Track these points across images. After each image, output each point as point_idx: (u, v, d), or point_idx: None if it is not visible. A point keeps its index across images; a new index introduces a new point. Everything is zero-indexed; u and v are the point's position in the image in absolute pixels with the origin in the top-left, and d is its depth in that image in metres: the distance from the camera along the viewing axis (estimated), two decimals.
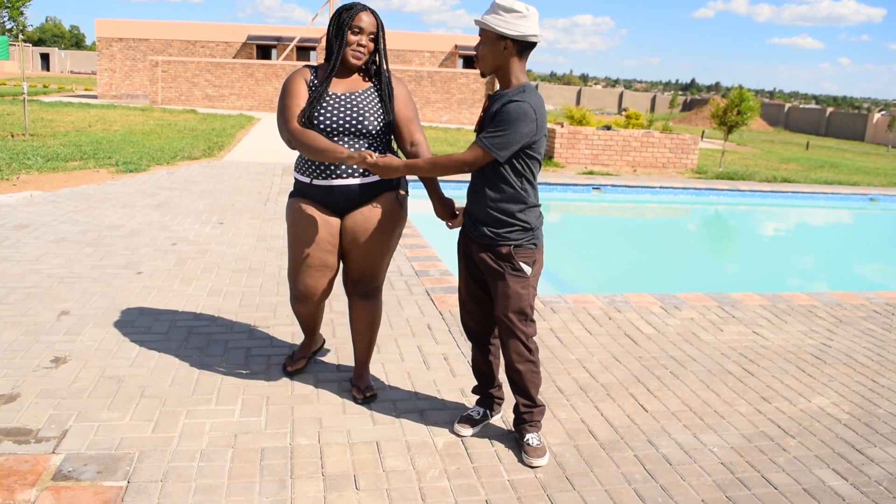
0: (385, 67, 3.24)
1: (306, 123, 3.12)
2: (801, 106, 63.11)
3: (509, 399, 3.36)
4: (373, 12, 3.15)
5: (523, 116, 2.74)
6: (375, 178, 3.20)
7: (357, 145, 3.18)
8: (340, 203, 3.22)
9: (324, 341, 3.93)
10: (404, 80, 26.61)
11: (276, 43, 31.15)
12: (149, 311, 4.51)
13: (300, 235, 3.25)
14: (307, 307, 3.43)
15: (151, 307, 4.58)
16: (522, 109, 2.74)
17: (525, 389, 3.07)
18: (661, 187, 12.25)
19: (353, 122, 3.14)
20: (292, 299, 3.44)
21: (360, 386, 3.50)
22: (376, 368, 3.83)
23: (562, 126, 15.75)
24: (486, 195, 2.93)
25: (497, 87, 3.16)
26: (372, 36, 3.15)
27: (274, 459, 2.91)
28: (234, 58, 30.50)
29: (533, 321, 3.02)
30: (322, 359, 3.93)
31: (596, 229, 10.78)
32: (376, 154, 2.97)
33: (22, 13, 13.56)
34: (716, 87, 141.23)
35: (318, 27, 30.22)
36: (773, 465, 3.15)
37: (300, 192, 3.29)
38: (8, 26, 13.72)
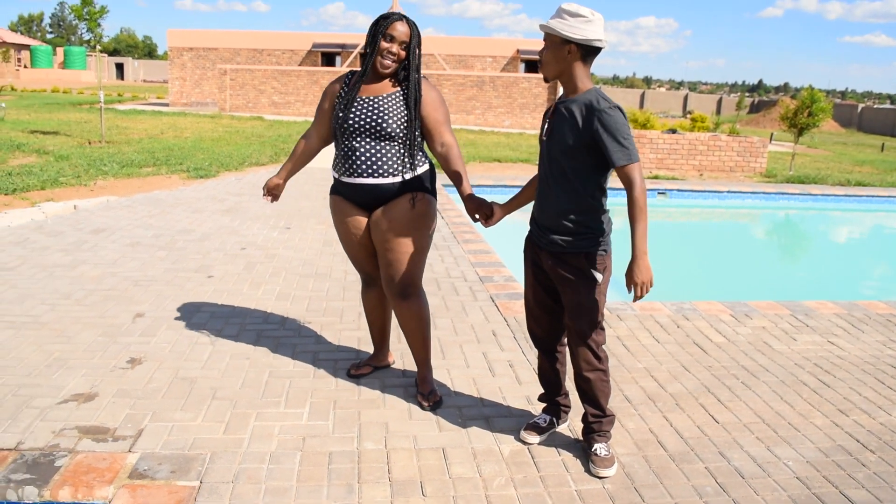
0: (415, 73, 3.29)
1: (338, 124, 3.31)
2: (875, 106, 60.83)
3: (577, 408, 3.32)
4: (409, 22, 3.22)
5: (625, 120, 2.71)
6: (393, 179, 3.29)
7: (380, 146, 3.26)
8: (364, 199, 3.38)
9: (393, 361, 3.95)
10: (465, 84, 26.71)
11: (339, 50, 31.61)
12: (220, 314, 4.62)
13: (339, 228, 3.53)
14: (371, 291, 3.66)
15: (222, 310, 4.69)
16: (620, 115, 2.71)
17: (594, 398, 3.03)
18: (728, 192, 11.97)
19: (374, 123, 3.24)
20: (362, 287, 3.73)
21: (423, 392, 3.53)
22: (441, 374, 3.84)
23: None
24: (557, 203, 2.90)
25: (560, 92, 3.12)
26: (404, 45, 3.22)
27: (341, 463, 2.94)
28: (299, 65, 31.07)
29: (603, 329, 2.99)
30: None
31: (662, 235, 10.58)
32: (264, 192, 3.43)
33: (99, 24, 14.01)
34: (784, 88, 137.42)
35: None
36: (851, 480, 3.04)
37: (335, 189, 3.50)
38: (85, 38, 14.23)
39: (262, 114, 26.33)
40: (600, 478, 2.94)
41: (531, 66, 33.10)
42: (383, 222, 3.32)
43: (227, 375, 3.72)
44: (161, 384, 3.58)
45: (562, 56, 2.80)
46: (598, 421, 3.06)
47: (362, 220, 3.42)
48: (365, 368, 3.79)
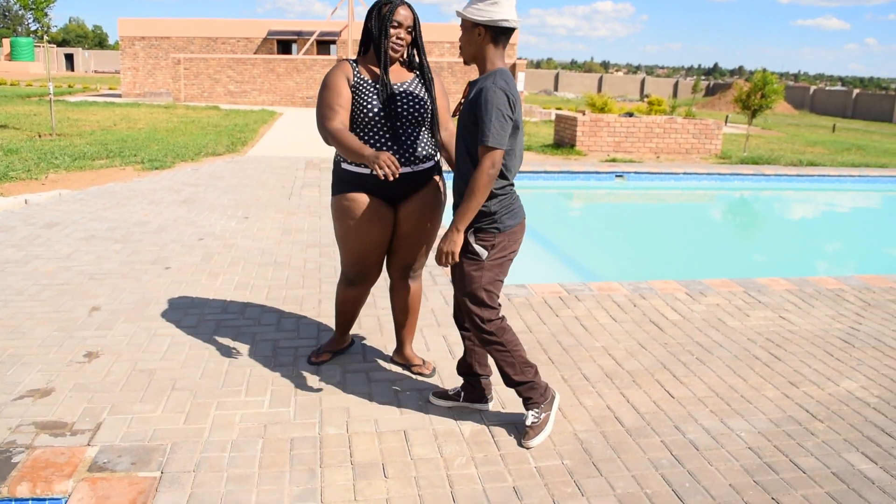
0: (425, 59, 3.35)
1: (382, 114, 3.21)
2: (827, 88, 62.15)
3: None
4: (409, 6, 3.25)
5: (497, 98, 2.77)
6: (428, 164, 3.33)
7: (420, 132, 3.31)
8: (397, 191, 3.30)
9: (353, 341, 3.98)
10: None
11: (296, 38, 31.25)
12: (178, 306, 4.58)
13: (360, 226, 3.31)
14: (359, 289, 3.57)
15: (180, 301, 4.65)
16: (493, 93, 2.77)
17: (501, 370, 3.10)
18: (684, 173, 12.16)
19: (414, 110, 3.27)
20: (345, 284, 3.57)
21: (418, 363, 3.71)
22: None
23: (583, 114, 15.68)
24: (458, 179, 3.01)
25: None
26: (410, 29, 3.25)
27: (303, 449, 2.95)
28: (255, 53, 30.66)
29: (491, 307, 3.00)
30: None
31: (619, 217, 10.73)
32: (394, 161, 2.84)
33: (46, 14, 13.63)
34: (739, 71, 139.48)
35: (337, 21, 30.29)
36: (801, 449, 3.14)
37: (352, 183, 3.30)
38: (32, 28, 13.90)
39: (218, 103, 25.95)
40: (526, 448, 3.01)
41: None
42: (419, 209, 3.34)
43: (187, 366, 3.70)
44: (119, 377, 3.55)
45: (473, 39, 2.92)
46: (516, 390, 3.12)
47: (389, 214, 3.35)
48: (325, 356, 3.80)
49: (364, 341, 4.08)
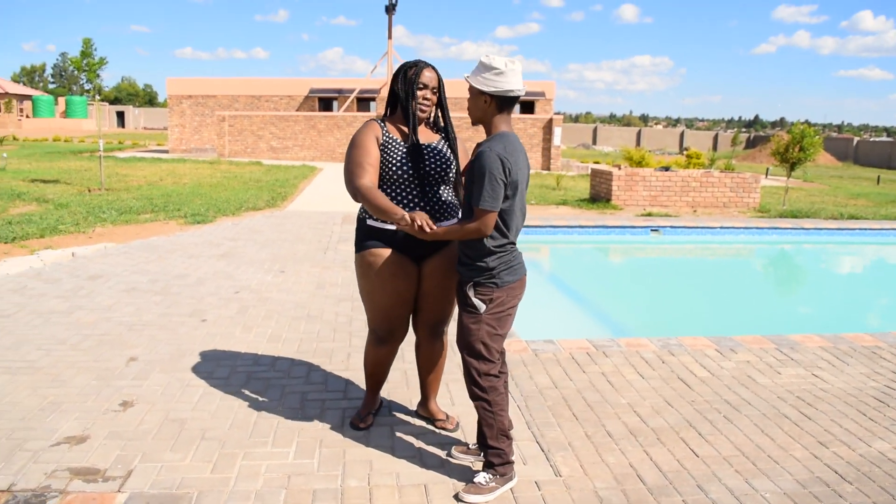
0: (449, 120, 3.50)
1: (411, 172, 3.32)
2: (871, 139, 61.37)
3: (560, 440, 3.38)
4: (434, 69, 3.40)
5: (491, 163, 2.89)
6: (451, 221, 3.39)
7: (445, 191, 3.43)
8: (421, 248, 3.37)
9: (382, 401, 4.02)
10: (460, 126, 27.02)
11: (336, 95, 32.08)
12: (211, 357, 4.70)
13: (386, 282, 3.38)
14: (389, 347, 3.61)
15: (214, 353, 4.78)
16: (488, 158, 2.90)
17: (479, 427, 3.16)
18: (721, 227, 12.09)
19: (441, 170, 3.39)
20: (374, 343, 3.60)
21: (443, 418, 3.76)
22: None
23: (619, 168, 15.74)
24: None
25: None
26: (435, 90, 3.39)
27: (325, 501, 3.01)
28: (297, 110, 31.51)
29: (488, 360, 3.08)
30: None
31: (653, 272, 10.68)
32: (425, 220, 3.03)
33: (98, 75, 14.36)
34: (781, 123, 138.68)
35: (377, 78, 31.02)
36: None
37: (377, 239, 3.38)
38: (86, 87, 14.57)
39: (261, 158, 26.63)
40: (458, 501, 3.03)
41: (526, 107, 33.54)
42: (443, 266, 3.41)
43: (217, 416, 3.79)
44: (152, 426, 3.65)
45: (480, 105, 3.04)
46: (485, 449, 3.14)
47: (414, 270, 3.42)
48: (369, 419, 3.77)
49: (389, 395, 4.14)
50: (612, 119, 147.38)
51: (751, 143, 55.19)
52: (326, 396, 4.12)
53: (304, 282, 6.91)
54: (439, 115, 3.54)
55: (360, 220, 3.47)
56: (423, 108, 3.38)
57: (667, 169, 15.83)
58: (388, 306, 3.45)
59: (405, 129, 3.40)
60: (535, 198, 15.74)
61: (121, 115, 64.47)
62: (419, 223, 2.98)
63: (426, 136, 3.46)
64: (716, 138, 60.60)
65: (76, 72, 15.69)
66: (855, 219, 13.87)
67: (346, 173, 3.35)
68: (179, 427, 3.66)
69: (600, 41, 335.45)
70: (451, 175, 3.44)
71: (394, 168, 3.33)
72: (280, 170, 20.77)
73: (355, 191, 3.28)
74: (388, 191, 3.37)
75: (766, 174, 27.86)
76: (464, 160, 3.53)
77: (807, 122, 16.71)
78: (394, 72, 3.41)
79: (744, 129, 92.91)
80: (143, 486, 3.06)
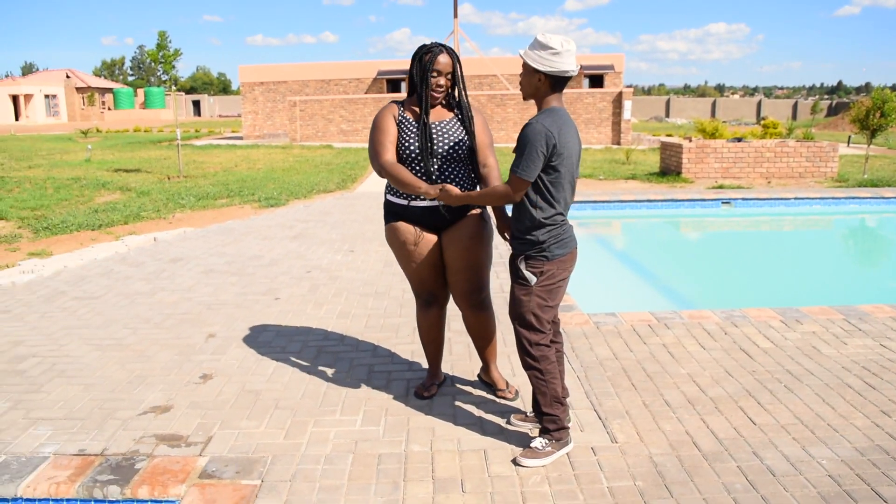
0: (465, 98, 3.61)
1: (420, 150, 3.49)
2: None
3: (613, 409, 3.47)
4: (449, 52, 3.52)
5: (534, 136, 2.97)
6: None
7: (457, 167, 3.56)
8: (437, 222, 3.59)
9: (445, 378, 4.17)
10: (528, 103, 26.92)
11: (404, 76, 32.30)
12: (284, 333, 4.95)
13: (410, 250, 3.63)
14: (435, 311, 3.80)
15: (286, 329, 5.03)
16: (533, 130, 2.98)
17: (534, 395, 3.28)
18: (795, 198, 11.78)
19: (451, 147, 3.53)
20: (421, 307, 3.82)
21: (503, 388, 3.90)
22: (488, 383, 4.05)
23: (690, 141, 15.46)
24: (515, 209, 3.21)
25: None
26: (449, 74, 3.53)
27: (389, 464, 3.18)
28: (365, 93, 31.91)
29: (539, 330, 3.17)
30: None
31: (724, 244, 10.52)
32: (449, 186, 3.31)
33: (174, 67, 14.96)
34: (866, 89, 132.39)
35: None
36: (885, 478, 3.09)
37: (397, 215, 3.64)
38: (163, 79, 15.16)
39: (332, 142, 27.14)
40: (516, 465, 3.14)
41: (595, 81, 33.09)
42: (462, 237, 3.59)
43: (289, 388, 4.02)
44: (229, 396, 3.91)
45: (533, 82, 3.12)
46: (540, 416, 3.25)
47: (434, 240, 3.63)
48: (433, 389, 3.95)
49: (452, 366, 4.29)
50: (686, 90, 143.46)
51: (833, 111, 53.04)
52: (392, 368, 4.31)
53: (372, 260, 7.12)
54: (456, 94, 3.64)
55: (385, 197, 3.73)
56: (436, 94, 3.53)
57: (739, 140, 15.46)
58: (416, 271, 3.69)
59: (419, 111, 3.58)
60: (604, 172, 15.63)
61: (196, 104, 66.46)
62: (440, 188, 3.26)
63: (439, 114, 3.60)
64: (795, 107, 58.45)
65: (153, 64, 16.32)
66: None
67: (370, 153, 3.59)
68: (255, 397, 3.90)
69: (673, 10, 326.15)
70: (462, 154, 3.56)
71: (404, 146, 3.51)
72: (350, 152, 21.16)
73: (380, 167, 3.51)
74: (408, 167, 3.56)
75: (848, 142, 26.79)
76: (483, 136, 3.64)
77: (894, 86, 15.96)
78: (412, 55, 3.55)
79: (826, 97, 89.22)
80: (222, 451, 3.30)
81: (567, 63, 3.05)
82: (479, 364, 4.22)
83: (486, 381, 3.99)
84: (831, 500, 2.92)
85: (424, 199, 3.53)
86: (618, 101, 27.06)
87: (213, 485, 2.99)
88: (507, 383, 3.94)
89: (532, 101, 3.19)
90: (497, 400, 3.85)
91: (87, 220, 9.24)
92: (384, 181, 3.70)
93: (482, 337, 3.84)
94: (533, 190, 3.10)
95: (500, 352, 4.51)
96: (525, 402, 3.80)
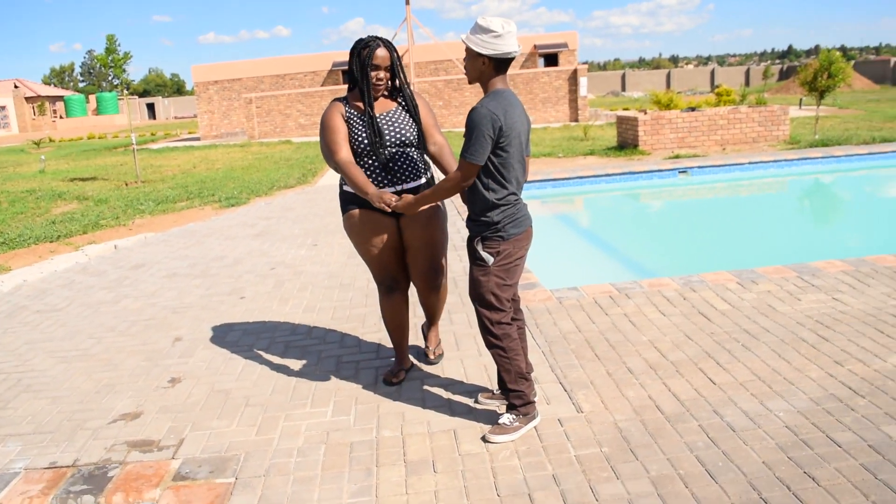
0: (406, 87, 3.72)
1: (371, 142, 3.58)
2: None
3: (578, 381, 3.55)
4: (386, 45, 3.60)
5: (480, 119, 3.02)
6: (418, 182, 3.71)
7: (409, 153, 3.70)
8: None
9: (412, 363, 4.22)
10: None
11: None
12: (251, 331, 4.96)
13: (369, 236, 3.71)
14: (397, 296, 3.87)
15: (253, 327, 5.04)
16: (478, 114, 3.03)
17: (498, 373, 3.36)
18: (749, 163, 12.01)
19: (400, 135, 3.65)
20: (384, 294, 3.88)
21: (432, 346, 4.19)
22: (455, 364, 4.12)
23: (644, 113, 15.63)
24: (470, 191, 3.26)
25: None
26: (388, 67, 3.61)
27: (361, 451, 3.24)
28: (321, 86, 31.67)
29: (499, 309, 3.23)
30: None
31: (681, 213, 10.70)
32: (395, 198, 3.39)
33: (124, 70, 14.69)
34: (815, 51, 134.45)
35: (399, 45, 30.94)
36: (839, 424, 3.22)
37: (355, 203, 3.71)
38: (115, 83, 14.88)
39: (290, 137, 26.95)
40: (486, 442, 3.23)
41: (550, 60, 33.20)
42: (419, 220, 3.70)
43: (259, 385, 4.05)
44: (199, 398, 3.92)
45: (477, 66, 3.16)
46: (506, 393, 3.33)
47: (393, 225, 3.72)
48: (401, 374, 4.01)
49: (418, 353, 4.35)
50: (641, 63, 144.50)
51: (784, 75, 53.89)
52: (360, 358, 4.35)
53: (336, 253, 7.14)
54: (397, 85, 3.74)
55: (340, 188, 3.80)
56: (377, 86, 3.61)
57: (693, 109, 15.68)
58: (378, 257, 3.76)
59: (362, 105, 3.66)
60: (563, 150, 15.74)
61: (151, 107, 65.40)
62: (385, 203, 3.34)
63: (383, 105, 3.71)
64: (748, 73, 59.27)
65: (103, 69, 16.05)
66: (888, 142, 13.64)
67: (323, 152, 3.69)
68: (225, 397, 3.92)
69: None
70: (411, 139, 3.69)
71: (356, 141, 3.61)
72: (309, 147, 21.04)
73: (336, 165, 3.60)
74: (357, 161, 3.64)
75: (800, 105, 27.30)
76: (428, 118, 3.77)
77: (842, 46, 16.42)
78: (350, 50, 3.61)
79: (777, 61, 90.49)
80: (195, 452, 3.33)
81: (509, 44, 3.10)
82: (449, 346, 4.33)
83: (424, 333, 4.26)
84: (789, 450, 3.03)
85: (387, 187, 3.63)
86: (573, 79, 27.22)
87: (187, 486, 3.02)
88: (438, 344, 4.21)
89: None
90: (466, 382, 3.91)
91: (44, 233, 9.12)
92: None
93: (436, 308, 4.08)
94: (483, 173, 3.16)
95: (466, 333, 4.60)
96: (492, 380, 3.87)
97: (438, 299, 4.01)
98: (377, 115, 3.66)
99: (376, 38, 3.60)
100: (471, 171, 3.12)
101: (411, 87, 3.79)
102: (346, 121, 3.63)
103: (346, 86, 28.01)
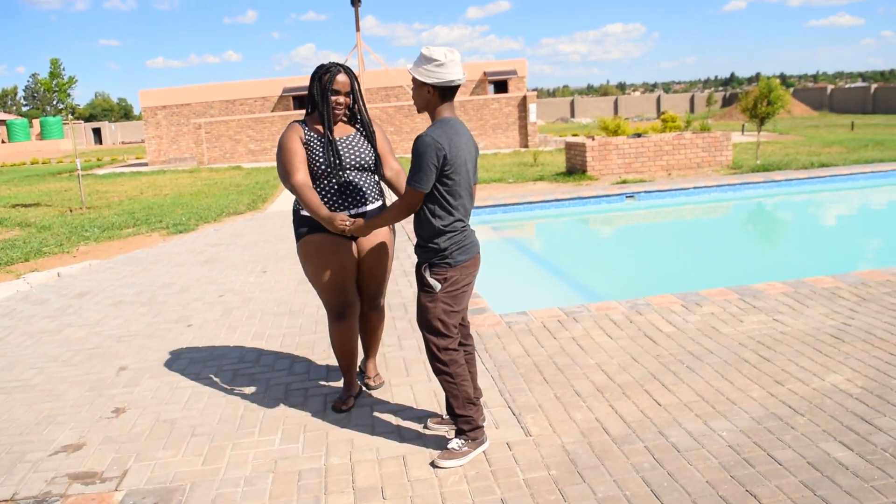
0: (364, 114, 3.81)
1: (337, 163, 3.65)
2: (846, 86, 61.69)
3: (528, 404, 3.59)
4: (347, 71, 3.68)
5: (424, 148, 3.08)
6: (374, 206, 3.78)
7: (366, 177, 3.78)
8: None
9: (361, 389, 4.21)
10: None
11: None
12: (198, 359, 4.89)
13: (328, 260, 3.71)
14: (348, 322, 3.86)
15: (200, 355, 4.97)
16: (423, 143, 3.09)
17: (446, 399, 3.40)
18: (694, 188, 12.31)
19: (359, 159, 3.73)
20: (334, 321, 3.85)
21: (371, 375, 4.20)
22: (405, 391, 4.12)
23: (592, 139, 15.93)
24: (417, 218, 3.31)
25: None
26: (349, 92, 3.69)
27: (310, 479, 3.21)
28: (272, 111, 31.51)
29: (446, 335, 3.27)
30: None
31: (628, 238, 10.90)
32: (349, 221, 3.44)
33: (69, 95, 14.42)
34: (756, 79, 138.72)
35: None
36: (779, 443, 3.31)
37: (310, 226, 3.71)
38: (60, 107, 14.59)
39: (240, 163, 26.71)
40: (435, 467, 3.24)
41: (500, 87, 33.62)
42: (374, 243, 3.79)
43: (205, 414, 3.99)
44: (144, 428, 3.85)
45: (424, 95, 3.23)
46: (455, 418, 3.37)
47: (349, 245, 3.75)
48: (350, 401, 3.98)
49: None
50: (589, 90, 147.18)
51: (727, 102, 55.46)
52: (309, 385, 4.32)
53: (285, 279, 7.09)
54: (356, 111, 3.83)
55: (295, 212, 3.82)
56: (337, 111, 3.70)
57: (639, 135, 16.04)
58: (336, 282, 3.76)
59: (322, 129, 3.72)
60: (513, 175, 15.92)
61: (97, 132, 64.10)
62: (339, 226, 3.40)
63: (342, 130, 3.80)
64: (692, 100, 60.83)
65: (47, 93, 15.73)
66: (826, 167, 14.13)
67: (280, 174, 3.72)
68: (170, 427, 3.85)
69: (571, 12, 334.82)
70: (369, 164, 3.78)
71: (316, 163, 3.66)
72: (260, 172, 20.89)
73: (292, 187, 3.63)
74: (314, 183, 3.68)
75: (742, 130, 28.11)
76: (384, 145, 3.87)
77: (781, 74, 17.07)
78: (311, 75, 3.68)
79: (720, 88, 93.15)
80: (139, 483, 3.26)
81: (452, 73, 3.16)
82: (396, 374, 4.33)
83: (363, 370, 4.27)
84: (731, 469, 3.10)
85: (347, 209, 3.70)
86: (523, 105, 27.60)
87: None
88: (377, 374, 4.23)
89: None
90: (415, 408, 3.91)
91: None
92: (294, 198, 3.76)
93: (376, 335, 4.16)
94: (430, 200, 3.20)
95: (415, 359, 4.60)
96: (440, 405, 3.88)
97: (381, 323, 4.12)
98: (340, 138, 3.73)
99: (338, 64, 3.68)
100: (416, 198, 3.17)
101: (369, 116, 3.86)
102: (305, 143, 3.67)
103: (296, 111, 27.87)
